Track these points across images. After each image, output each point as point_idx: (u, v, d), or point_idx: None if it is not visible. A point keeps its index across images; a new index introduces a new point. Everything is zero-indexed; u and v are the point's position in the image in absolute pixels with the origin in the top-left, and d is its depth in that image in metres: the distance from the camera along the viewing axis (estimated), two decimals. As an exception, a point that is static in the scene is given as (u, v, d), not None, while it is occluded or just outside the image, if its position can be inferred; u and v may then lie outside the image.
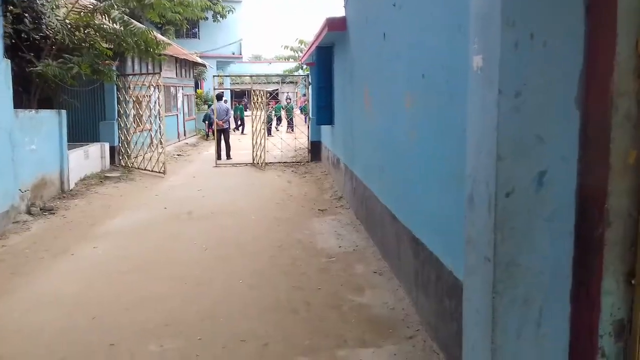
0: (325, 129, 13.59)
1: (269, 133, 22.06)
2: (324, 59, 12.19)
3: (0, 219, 7.68)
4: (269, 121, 25.38)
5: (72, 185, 10.47)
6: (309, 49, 14.08)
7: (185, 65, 22.10)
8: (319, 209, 9.00)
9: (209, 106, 23.14)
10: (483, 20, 2.04)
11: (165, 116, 14.92)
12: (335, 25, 9.57)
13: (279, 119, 27.22)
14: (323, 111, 12.33)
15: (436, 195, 4.10)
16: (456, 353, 3.62)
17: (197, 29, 31.43)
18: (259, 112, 14.68)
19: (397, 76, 5.35)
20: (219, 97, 16.44)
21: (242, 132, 25.77)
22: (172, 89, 19.55)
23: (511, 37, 1.91)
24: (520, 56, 1.91)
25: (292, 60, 30.16)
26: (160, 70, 14.78)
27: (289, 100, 28.96)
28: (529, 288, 1.99)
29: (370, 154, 7.15)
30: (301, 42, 27.00)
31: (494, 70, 1.91)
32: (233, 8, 30.54)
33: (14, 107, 8.37)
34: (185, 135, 21.54)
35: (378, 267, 5.93)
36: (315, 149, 15.20)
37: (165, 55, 14.96)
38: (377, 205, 6.47)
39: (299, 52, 26.76)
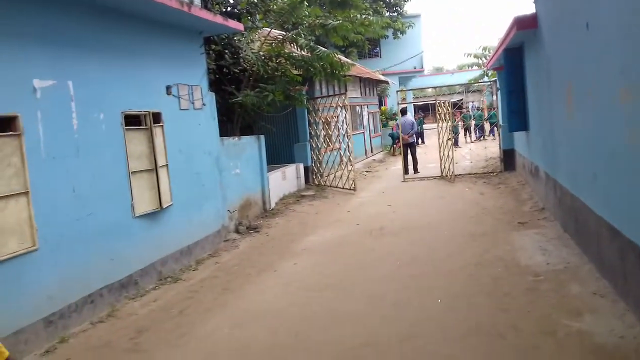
0: (518, 135, 12.64)
1: (456, 144, 21.42)
2: (513, 61, 11.36)
3: (213, 237, 8.48)
4: (455, 132, 24.64)
5: (272, 205, 11.21)
6: (495, 52, 13.32)
7: (368, 84, 22.58)
8: (518, 222, 8.30)
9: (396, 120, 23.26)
10: None
11: (353, 134, 15.30)
12: (524, 24, 8.85)
13: (467, 129, 26.20)
14: (515, 116, 11.46)
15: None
16: None
17: (378, 48, 32.10)
18: (444, 124, 14.27)
19: (608, 69, 4.65)
20: (404, 111, 16.39)
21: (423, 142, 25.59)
22: (357, 107, 20.07)
23: None
24: None
25: (476, 67, 29.00)
26: (346, 90, 15.23)
27: (475, 109, 27.88)
28: None
29: (577, 159, 6.36)
30: (485, 48, 25.86)
31: None
32: (413, 23, 30.56)
33: (220, 136, 9.23)
34: (372, 151, 21.91)
35: (597, 287, 5.16)
36: (508, 157, 14.24)
37: (349, 75, 15.40)
38: (591, 217, 5.68)
39: (483, 59, 25.64)
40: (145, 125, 7.01)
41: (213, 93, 9.16)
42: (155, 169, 7.07)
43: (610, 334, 4.18)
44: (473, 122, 25.89)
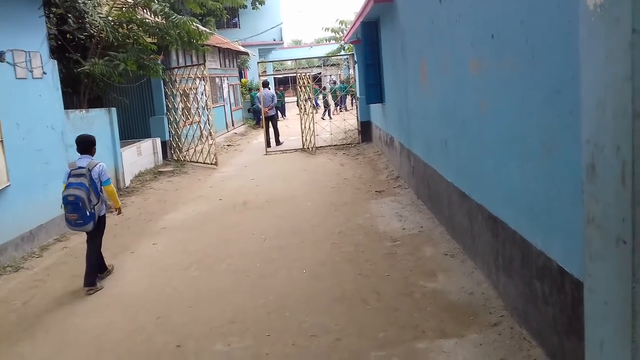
0: (375, 108, 13.17)
1: (328, 115, 22.22)
2: (370, 35, 11.73)
3: (60, 220, 7.72)
4: (325, 105, 25.16)
5: (127, 183, 10.51)
6: (353, 25, 13.65)
7: (228, 55, 22.02)
8: (376, 191, 8.66)
9: (252, 97, 22.98)
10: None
11: (213, 107, 14.84)
12: (380, -2, 9.11)
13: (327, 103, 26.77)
14: (372, 89, 11.91)
15: (518, 169, 3.69)
16: (552, 340, 3.25)
17: (237, 18, 31.32)
18: (305, 97, 14.38)
19: (460, 41, 4.92)
20: (265, 84, 16.25)
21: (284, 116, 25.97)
22: (217, 79, 19.50)
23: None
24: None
25: (334, 41, 29.66)
26: (205, 61, 14.67)
27: (332, 82, 28.59)
28: (677, 274, 1.60)
29: (430, 129, 6.73)
30: (341, 22, 26.47)
31: (622, 5, 1.51)
32: (271, -7, 30.25)
33: (65, 108, 8.39)
34: (233, 125, 21.52)
35: (448, 248, 5.55)
36: (365, 129, 14.79)
37: (208, 45, 14.85)
38: (442, 183, 6.07)
39: (340, 33, 26.26)
40: (-28, 95, 6.12)
41: (55, 61, 8.25)
42: (-14, 145, 6.22)
43: (461, 292, 4.51)
44: (330, 96, 26.54)
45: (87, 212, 5.24)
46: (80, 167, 5.36)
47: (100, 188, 5.43)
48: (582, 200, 1.86)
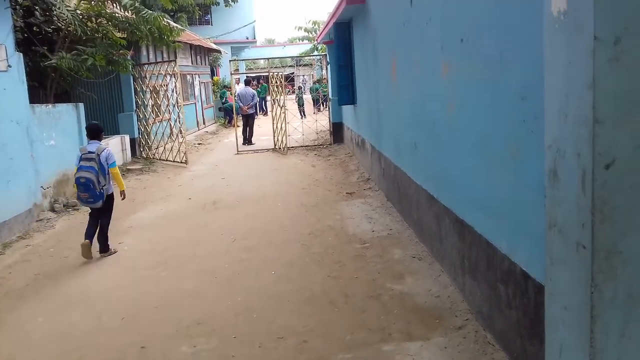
0: (347, 109, 13.19)
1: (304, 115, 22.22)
2: (343, 35, 11.75)
3: (24, 217, 7.53)
4: (300, 104, 25.05)
5: (94, 180, 10.29)
6: (326, 26, 13.66)
7: (200, 52, 21.77)
8: (346, 193, 8.67)
9: (222, 94, 22.81)
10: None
11: (184, 105, 14.66)
12: (353, -1, 9.13)
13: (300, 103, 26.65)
14: (344, 91, 11.92)
15: (484, 173, 3.74)
16: (515, 343, 3.30)
17: (209, 16, 31.01)
18: (278, 96, 14.33)
19: (430, 44, 4.96)
20: (247, 82, 16.18)
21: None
22: (188, 77, 19.26)
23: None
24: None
25: (307, 41, 29.63)
26: (176, 57, 14.48)
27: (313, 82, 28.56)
28: (634, 280, 1.64)
29: (400, 132, 6.77)
30: (315, 22, 26.44)
31: (585, 12, 1.54)
32: (244, -9, 30.05)
33: (31, 103, 8.18)
34: (204, 123, 21.29)
35: (416, 251, 5.59)
36: (337, 130, 14.81)
37: (179, 42, 14.66)
38: (411, 186, 6.11)
39: (313, 33, 26.25)
40: None
41: (21, 54, 8.04)
42: (-55, 140, 6.02)
43: (428, 294, 4.54)
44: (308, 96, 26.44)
45: (97, 192, 5.96)
46: (90, 152, 6.04)
47: (108, 170, 6.09)
48: (545, 205, 1.88)
